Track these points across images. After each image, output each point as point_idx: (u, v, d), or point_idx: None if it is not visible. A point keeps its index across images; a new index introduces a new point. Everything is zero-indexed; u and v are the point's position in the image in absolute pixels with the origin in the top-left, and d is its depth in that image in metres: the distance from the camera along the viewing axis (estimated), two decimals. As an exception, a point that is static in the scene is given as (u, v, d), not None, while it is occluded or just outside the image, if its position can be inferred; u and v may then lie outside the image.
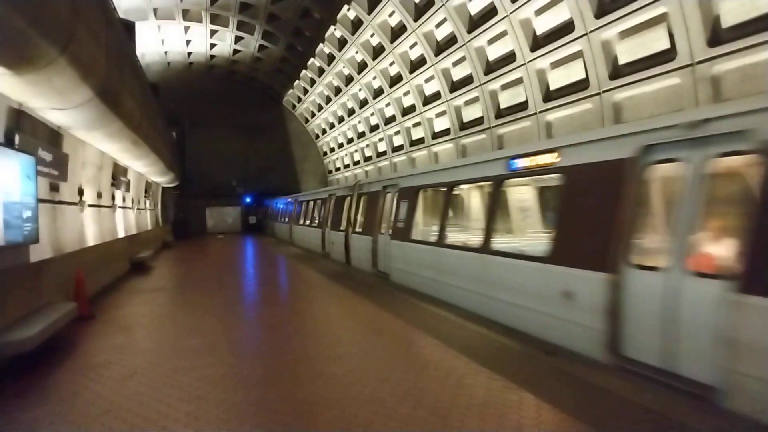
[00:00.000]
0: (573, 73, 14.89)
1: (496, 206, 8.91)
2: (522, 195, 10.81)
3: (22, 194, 6.44)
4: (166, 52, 34.88)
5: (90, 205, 11.85)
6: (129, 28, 19.62)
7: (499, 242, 8.85)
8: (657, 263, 5.39)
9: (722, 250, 4.95)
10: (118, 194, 15.76)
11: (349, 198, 17.18)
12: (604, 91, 13.63)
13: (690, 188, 5.19)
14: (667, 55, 11.87)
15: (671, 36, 11.69)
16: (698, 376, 4.77)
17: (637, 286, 5.54)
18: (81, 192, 11.00)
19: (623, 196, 5.87)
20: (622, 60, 13.22)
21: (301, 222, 25.47)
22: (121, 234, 16.07)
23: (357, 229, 16.01)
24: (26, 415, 4.56)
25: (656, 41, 12.20)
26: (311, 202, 24.08)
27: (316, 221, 22.25)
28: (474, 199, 12.16)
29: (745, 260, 4.45)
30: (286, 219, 30.27)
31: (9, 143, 6.60)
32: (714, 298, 4.65)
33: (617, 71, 13.34)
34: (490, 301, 8.28)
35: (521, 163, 7.99)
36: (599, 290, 5.90)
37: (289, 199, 31.24)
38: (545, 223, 9.46)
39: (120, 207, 16.08)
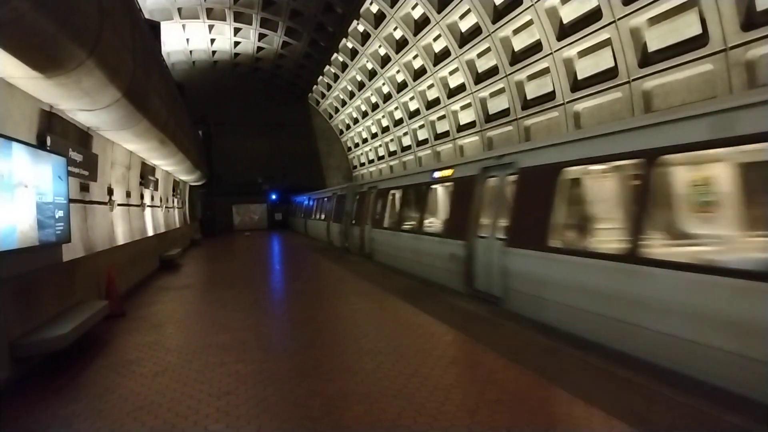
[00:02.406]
0: (601, 61, 14.60)
1: (424, 203, 13.07)
2: (437, 195, 13.64)
3: (54, 195, 6.56)
4: (191, 52, 35.29)
5: (119, 205, 12.05)
6: (154, 28, 19.88)
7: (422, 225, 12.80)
8: (485, 235, 9.52)
9: (506, 225, 8.78)
10: (147, 193, 16.00)
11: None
12: (634, 80, 13.33)
13: (498, 193, 9.42)
14: (699, 41, 11.54)
15: (703, 21, 11.36)
16: (496, 293, 8.83)
17: (478, 247, 9.70)
18: (110, 191, 11.19)
19: (474, 197, 10.13)
20: (652, 47, 12.91)
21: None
22: (150, 232, 16.32)
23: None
24: (63, 410, 4.66)
25: (687, 27, 11.87)
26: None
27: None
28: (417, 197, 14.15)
29: (509, 230, 8.61)
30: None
31: (41, 145, 6.73)
32: (501, 250, 8.68)
33: (647, 59, 13.03)
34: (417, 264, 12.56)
35: (437, 174, 12.40)
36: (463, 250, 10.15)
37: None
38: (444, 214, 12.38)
39: (149, 206, 16.32)
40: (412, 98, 27.51)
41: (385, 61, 27.73)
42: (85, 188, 9.34)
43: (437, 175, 12.31)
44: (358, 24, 26.78)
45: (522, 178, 8.54)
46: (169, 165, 17.89)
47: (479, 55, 20.28)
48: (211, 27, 31.72)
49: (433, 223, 12.84)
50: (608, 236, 7.03)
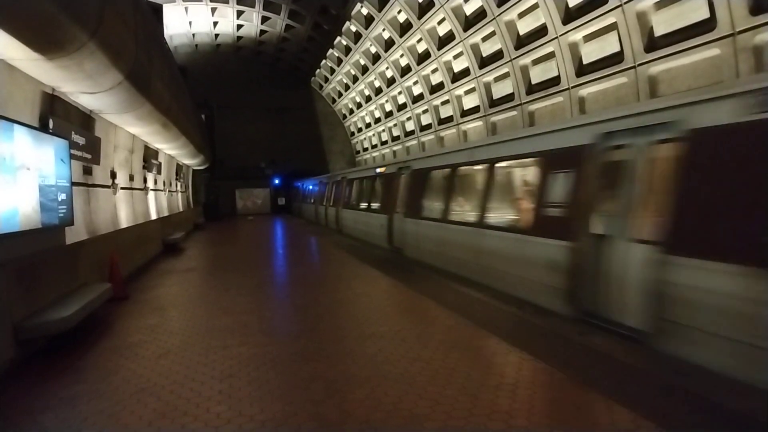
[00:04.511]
0: (607, 46, 14.46)
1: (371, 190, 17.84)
2: (378, 185, 17.61)
3: (56, 177, 6.56)
4: (193, 35, 35.08)
5: (123, 188, 12.06)
6: (156, 11, 19.75)
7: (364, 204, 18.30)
8: (398, 211, 14.23)
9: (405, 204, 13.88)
10: (150, 177, 16.00)
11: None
12: (640, 65, 13.20)
13: (404, 184, 14.14)
14: (707, 25, 11.41)
15: (711, 5, 11.21)
16: (400, 246, 13.95)
17: (394, 219, 14.43)
18: (113, 175, 11.19)
19: (392, 187, 14.73)
20: (659, 31, 12.76)
21: None
22: (154, 216, 16.36)
23: None
24: (67, 391, 4.70)
25: (695, 11, 11.72)
26: None
27: None
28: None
29: (406, 207, 13.65)
30: None
31: (44, 127, 6.72)
32: (402, 220, 13.72)
33: (653, 43, 12.89)
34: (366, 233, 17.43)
35: (378, 170, 17.32)
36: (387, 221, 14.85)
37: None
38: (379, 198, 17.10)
39: (152, 189, 16.34)
40: (415, 83, 27.33)
41: (388, 44, 27.51)
42: (88, 171, 9.35)
43: (378, 171, 17.56)
44: (361, 7, 26.51)
45: (411, 176, 13.78)
46: (172, 149, 17.87)
47: (484, 39, 20.09)
48: (213, 10, 31.48)
49: (375, 203, 17.51)
50: (439, 209, 11.75)
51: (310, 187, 32.07)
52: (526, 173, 9.89)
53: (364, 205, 18.41)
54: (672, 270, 5.22)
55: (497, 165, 9.78)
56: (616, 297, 6.12)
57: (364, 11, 26.89)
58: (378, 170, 17.41)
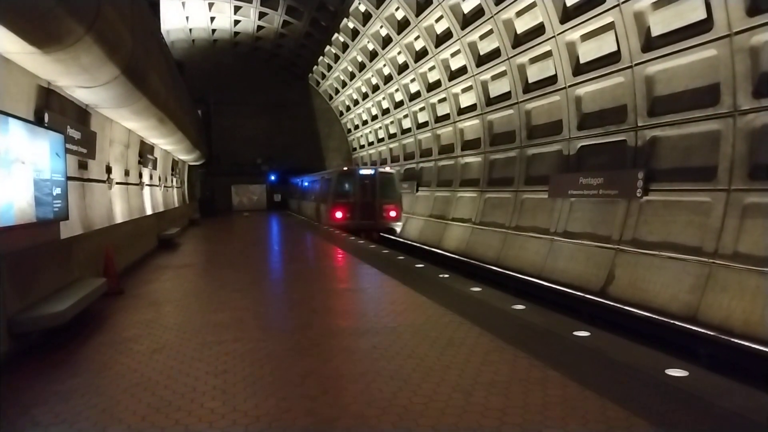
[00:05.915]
0: (604, 45, 14.44)
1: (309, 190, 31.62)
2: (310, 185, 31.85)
3: (51, 172, 6.52)
4: (190, 30, 34.93)
5: (118, 183, 12.03)
6: (153, 5, 19.63)
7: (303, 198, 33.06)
8: (301, 198, 34.78)
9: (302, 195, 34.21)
10: (146, 172, 15.96)
11: None
12: (637, 64, 13.21)
13: (327, 185, 25.52)
14: (703, 26, 11.40)
15: (708, 5, 11.21)
16: (298, 212, 36.00)
17: (300, 203, 34.49)
18: (109, 170, 11.16)
19: (320, 186, 26.90)
20: (656, 31, 12.76)
21: None
22: (149, 211, 16.32)
23: None
24: (61, 386, 4.68)
25: (692, 11, 11.72)
26: None
27: None
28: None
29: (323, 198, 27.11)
30: None
31: (39, 121, 6.69)
32: (300, 201, 35.04)
33: (650, 43, 12.89)
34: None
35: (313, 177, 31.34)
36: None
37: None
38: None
39: (147, 185, 16.29)
40: (412, 80, 27.28)
41: (386, 42, 27.44)
42: (83, 166, 9.32)
43: (315, 176, 31.00)
44: (359, 3, 26.43)
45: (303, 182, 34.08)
46: (168, 144, 17.83)
47: (481, 38, 20.05)
48: (210, 5, 31.34)
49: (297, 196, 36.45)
50: (304, 196, 33.20)
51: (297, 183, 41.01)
52: (315, 184, 28.05)
53: (296, 196, 36.50)
54: (318, 206, 25.98)
55: (308, 181, 31.46)
56: (318, 215, 25.57)
57: (362, 8, 26.81)
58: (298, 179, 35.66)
